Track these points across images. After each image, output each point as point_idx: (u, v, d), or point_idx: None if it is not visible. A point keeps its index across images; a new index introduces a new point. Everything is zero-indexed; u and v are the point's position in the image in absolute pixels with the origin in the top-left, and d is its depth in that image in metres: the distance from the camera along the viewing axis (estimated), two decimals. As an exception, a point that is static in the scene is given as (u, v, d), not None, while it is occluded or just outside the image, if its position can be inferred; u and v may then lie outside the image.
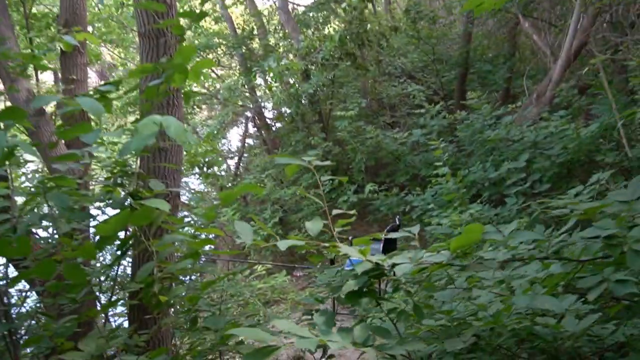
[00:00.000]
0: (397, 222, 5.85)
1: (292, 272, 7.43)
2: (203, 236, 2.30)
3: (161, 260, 2.14)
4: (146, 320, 2.91)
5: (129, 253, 2.82)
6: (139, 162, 2.65)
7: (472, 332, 1.60)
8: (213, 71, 12.49)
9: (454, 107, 8.85)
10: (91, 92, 1.88)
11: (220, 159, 9.04)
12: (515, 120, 6.75)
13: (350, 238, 5.66)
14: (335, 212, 2.06)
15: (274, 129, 11.14)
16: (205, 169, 8.91)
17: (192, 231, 2.56)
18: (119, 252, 2.19)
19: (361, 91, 9.75)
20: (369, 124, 8.53)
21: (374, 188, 6.46)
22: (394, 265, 1.63)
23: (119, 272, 2.80)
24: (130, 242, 2.21)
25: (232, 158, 12.03)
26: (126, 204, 2.05)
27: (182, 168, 6.77)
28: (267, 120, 10.89)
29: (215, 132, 9.21)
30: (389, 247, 5.65)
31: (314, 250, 1.85)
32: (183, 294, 2.33)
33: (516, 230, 1.65)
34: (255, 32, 11.22)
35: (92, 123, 4.07)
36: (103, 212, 2.59)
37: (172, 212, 3.41)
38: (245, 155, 11.65)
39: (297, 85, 9.02)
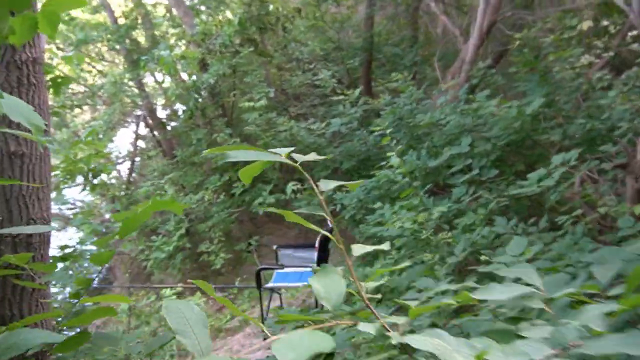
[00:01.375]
0: (329, 225, 5.11)
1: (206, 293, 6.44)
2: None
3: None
4: None
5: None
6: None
7: None
8: (93, 67, 10.90)
9: (362, 94, 8.29)
10: None
11: (108, 164, 7.69)
12: (433, 104, 6.34)
13: (274, 247, 4.70)
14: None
15: (169, 128, 9.92)
16: (90, 177, 7.53)
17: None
18: None
19: (266, 80, 8.89)
20: (280, 115, 7.72)
21: (297, 187, 5.70)
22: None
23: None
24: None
25: (121, 163, 10.59)
26: None
27: (54, 179, 5.45)
28: (160, 119, 9.63)
29: (101, 134, 7.84)
30: (323, 255, 4.90)
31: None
32: None
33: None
34: (139, 22, 9.89)
35: None
36: None
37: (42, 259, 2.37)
38: (138, 159, 10.29)
39: (193, 76, 7.95)
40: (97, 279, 9.45)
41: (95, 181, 7.64)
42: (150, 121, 9.82)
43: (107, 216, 9.89)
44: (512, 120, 4.78)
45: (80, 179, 7.85)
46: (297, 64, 10.29)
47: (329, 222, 4.84)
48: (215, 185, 7.29)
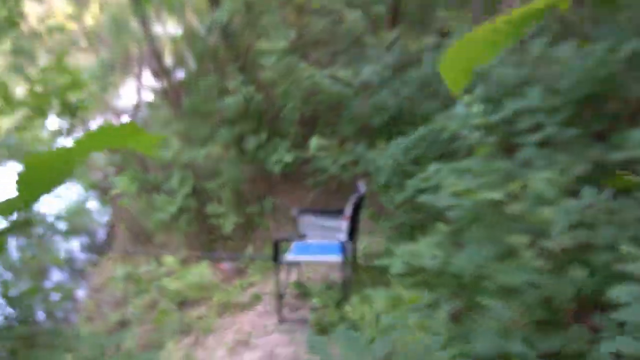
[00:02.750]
0: (361, 191, 4.28)
1: (216, 262, 5.70)
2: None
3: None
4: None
5: None
6: None
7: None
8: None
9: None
10: None
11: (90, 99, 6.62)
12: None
13: (294, 211, 3.85)
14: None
15: (177, 75, 8.99)
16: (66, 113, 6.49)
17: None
18: None
19: (285, 23, 7.88)
20: (302, 60, 6.78)
21: (322, 143, 4.84)
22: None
23: None
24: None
25: (126, 115, 9.74)
26: None
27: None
28: (166, 65, 8.69)
29: (98, 74, 6.91)
30: (354, 226, 4.09)
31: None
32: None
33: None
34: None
35: None
36: None
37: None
38: (143, 109, 9.42)
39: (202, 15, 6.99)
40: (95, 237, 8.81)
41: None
42: (156, 67, 8.88)
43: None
44: (594, 68, 3.83)
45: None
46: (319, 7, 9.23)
47: (360, 186, 4.01)
48: (225, 139, 6.45)
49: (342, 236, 4.43)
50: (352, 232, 4.06)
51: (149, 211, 6.11)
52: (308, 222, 4.61)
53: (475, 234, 3.06)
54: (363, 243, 5.26)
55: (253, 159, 6.78)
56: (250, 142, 6.37)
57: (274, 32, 6.62)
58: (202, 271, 4.81)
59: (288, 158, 6.06)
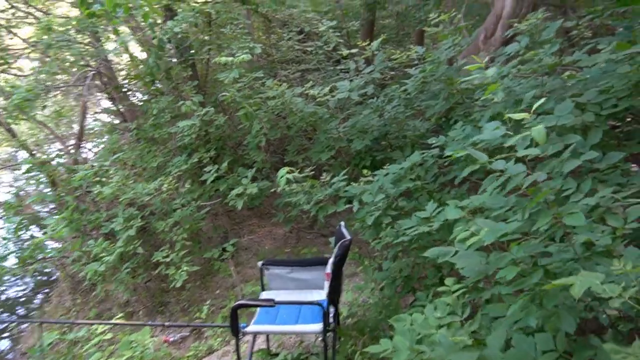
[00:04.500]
0: (343, 231, 3.38)
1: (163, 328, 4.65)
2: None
3: None
4: None
5: None
6: None
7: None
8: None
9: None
10: None
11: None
12: (460, 71, 4.62)
13: (259, 264, 3.00)
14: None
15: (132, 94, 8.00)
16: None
17: None
18: None
19: (250, 37, 7.05)
20: (269, 77, 5.93)
21: (295, 176, 3.94)
22: None
23: None
24: None
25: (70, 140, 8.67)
26: None
27: None
28: (118, 83, 7.71)
29: (28, 96, 5.87)
30: (336, 284, 3.16)
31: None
32: None
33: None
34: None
35: None
36: None
37: None
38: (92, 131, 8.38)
39: (154, 26, 6.08)
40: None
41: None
42: (106, 84, 7.88)
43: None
44: (619, 80, 3.07)
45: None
46: (283, 25, 8.49)
47: (342, 230, 3.11)
48: (179, 169, 5.48)
49: (321, 295, 3.50)
50: (334, 292, 3.14)
51: (85, 259, 5.07)
52: (277, 275, 3.67)
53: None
54: (348, 297, 4.35)
55: (213, 192, 5.83)
56: (208, 174, 5.42)
57: (236, 45, 5.76)
58: (143, 341, 3.80)
59: (253, 190, 5.13)
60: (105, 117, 9.17)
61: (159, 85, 6.67)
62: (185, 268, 4.62)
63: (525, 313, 1.91)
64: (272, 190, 5.19)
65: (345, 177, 4.20)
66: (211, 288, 5.53)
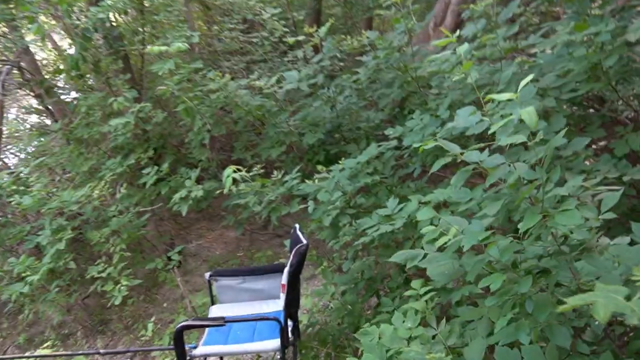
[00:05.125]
0: (299, 234, 3.09)
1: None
2: None
3: None
4: None
5: None
6: None
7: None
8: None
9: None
10: None
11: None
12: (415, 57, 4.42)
13: (207, 276, 2.64)
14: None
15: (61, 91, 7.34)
16: None
17: None
18: None
19: (188, 24, 6.59)
20: (211, 69, 5.53)
21: (242, 175, 3.60)
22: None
23: None
24: None
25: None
26: None
27: None
28: (42, 77, 7.04)
29: None
30: (293, 295, 2.86)
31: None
32: None
33: None
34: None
35: None
36: None
37: None
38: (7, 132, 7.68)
39: (71, 13, 5.56)
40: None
41: None
42: (28, 78, 7.18)
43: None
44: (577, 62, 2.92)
45: None
46: (224, 14, 8.07)
47: (300, 236, 2.82)
48: (114, 173, 5.01)
49: (277, 305, 3.21)
50: (291, 304, 2.85)
51: (7, 279, 4.53)
52: (227, 286, 3.34)
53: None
54: (307, 303, 4.07)
55: (155, 196, 5.39)
56: (148, 176, 4.99)
57: (172, 34, 5.32)
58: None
59: (198, 193, 4.75)
60: (34, 118, 8.46)
61: (90, 81, 6.13)
62: (125, 283, 4.20)
63: (514, 327, 1.68)
64: (220, 191, 4.83)
65: (299, 174, 3.91)
66: (157, 301, 5.11)
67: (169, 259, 4.99)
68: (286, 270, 2.77)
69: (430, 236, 2.23)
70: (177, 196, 4.79)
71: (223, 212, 5.83)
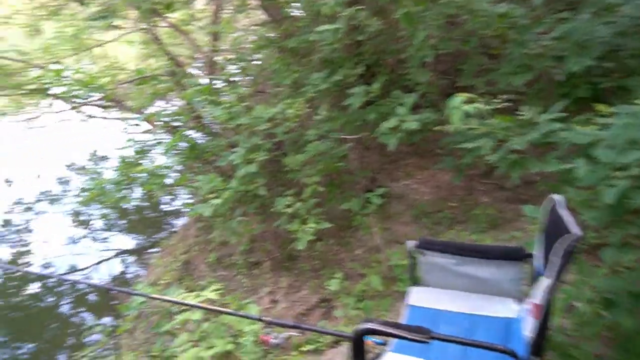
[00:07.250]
0: (562, 212, 1.97)
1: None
2: None
3: None
4: None
5: None
6: None
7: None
8: None
9: None
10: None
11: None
12: None
13: (410, 245, 1.47)
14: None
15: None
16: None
17: None
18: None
19: None
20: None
21: (474, 107, 2.54)
22: None
23: None
24: None
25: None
26: None
27: None
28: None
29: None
30: (545, 315, 1.83)
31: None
32: None
33: None
34: None
35: None
36: None
37: None
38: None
39: None
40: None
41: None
42: None
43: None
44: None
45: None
46: None
47: (567, 218, 1.76)
48: (317, 89, 4.39)
49: (508, 309, 2.22)
50: (541, 334, 1.82)
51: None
52: (436, 266, 2.45)
53: None
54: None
55: (360, 122, 4.67)
56: (355, 96, 4.26)
57: None
58: (242, 329, 2.93)
59: (412, 124, 3.86)
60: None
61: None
62: (312, 225, 3.63)
63: None
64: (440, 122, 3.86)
65: (561, 114, 2.70)
66: (350, 246, 4.52)
67: (368, 201, 4.28)
68: (544, 281, 1.73)
69: None
70: (385, 125, 3.98)
71: (439, 150, 4.87)
